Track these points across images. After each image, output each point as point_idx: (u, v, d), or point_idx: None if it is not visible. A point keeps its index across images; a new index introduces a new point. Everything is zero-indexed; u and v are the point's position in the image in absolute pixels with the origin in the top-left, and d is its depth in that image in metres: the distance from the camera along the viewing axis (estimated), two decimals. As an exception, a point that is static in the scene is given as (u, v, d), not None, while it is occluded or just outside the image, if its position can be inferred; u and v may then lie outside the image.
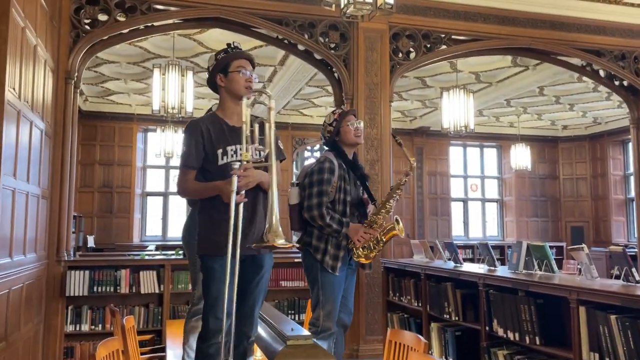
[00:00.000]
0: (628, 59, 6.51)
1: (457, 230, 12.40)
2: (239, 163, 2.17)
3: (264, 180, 2.22)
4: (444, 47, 6.02)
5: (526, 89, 9.02)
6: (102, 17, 5.11)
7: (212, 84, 2.40)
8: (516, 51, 6.59)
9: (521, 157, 11.08)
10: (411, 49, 5.90)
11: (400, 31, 5.82)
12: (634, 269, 2.87)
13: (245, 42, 6.71)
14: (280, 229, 2.00)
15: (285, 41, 5.78)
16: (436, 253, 4.87)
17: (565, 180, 12.67)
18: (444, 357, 4.02)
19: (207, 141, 2.26)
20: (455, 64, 7.90)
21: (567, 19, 6.27)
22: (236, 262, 2.09)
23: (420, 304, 4.47)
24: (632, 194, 10.20)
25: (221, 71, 2.34)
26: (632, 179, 8.84)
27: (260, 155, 2.25)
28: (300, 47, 5.80)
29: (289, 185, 3.43)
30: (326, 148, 3.45)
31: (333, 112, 3.41)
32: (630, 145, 7.61)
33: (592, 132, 12.32)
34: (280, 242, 1.96)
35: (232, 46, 2.41)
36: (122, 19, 5.15)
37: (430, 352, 4.00)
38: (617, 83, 6.86)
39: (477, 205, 12.90)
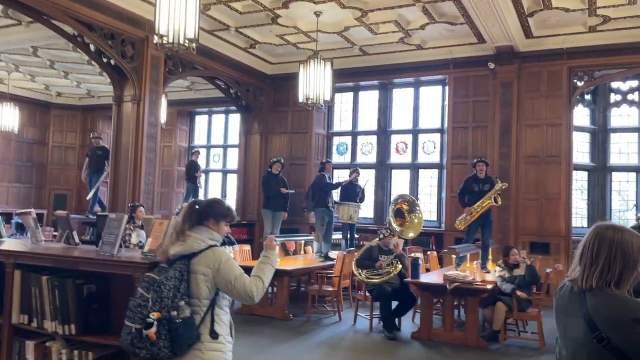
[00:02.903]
0: (117, 39, 6.98)
1: None
2: None
3: None
4: None
5: (18, 45, 8.41)
6: None
7: None
8: (6, 1, 6.02)
9: (9, 118, 10.28)
10: None
11: None
12: (74, 232, 3.09)
13: None
14: None
15: None
16: None
17: (55, 148, 12.58)
18: None
19: None
20: None
21: (63, -17, 6.15)
22: None
23: None
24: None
25: None
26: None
27: None
28: None
29: None
30: None
31: None
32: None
33: (86, 104, 12.69)
34: None
35: None
36: None
37: None
38: (105, 60, 7.24)
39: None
